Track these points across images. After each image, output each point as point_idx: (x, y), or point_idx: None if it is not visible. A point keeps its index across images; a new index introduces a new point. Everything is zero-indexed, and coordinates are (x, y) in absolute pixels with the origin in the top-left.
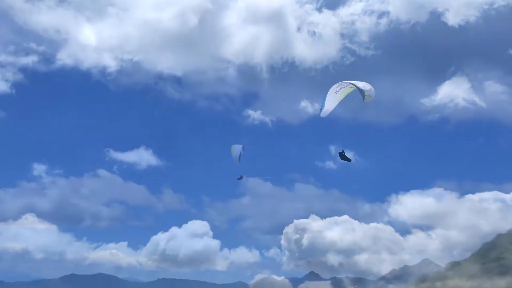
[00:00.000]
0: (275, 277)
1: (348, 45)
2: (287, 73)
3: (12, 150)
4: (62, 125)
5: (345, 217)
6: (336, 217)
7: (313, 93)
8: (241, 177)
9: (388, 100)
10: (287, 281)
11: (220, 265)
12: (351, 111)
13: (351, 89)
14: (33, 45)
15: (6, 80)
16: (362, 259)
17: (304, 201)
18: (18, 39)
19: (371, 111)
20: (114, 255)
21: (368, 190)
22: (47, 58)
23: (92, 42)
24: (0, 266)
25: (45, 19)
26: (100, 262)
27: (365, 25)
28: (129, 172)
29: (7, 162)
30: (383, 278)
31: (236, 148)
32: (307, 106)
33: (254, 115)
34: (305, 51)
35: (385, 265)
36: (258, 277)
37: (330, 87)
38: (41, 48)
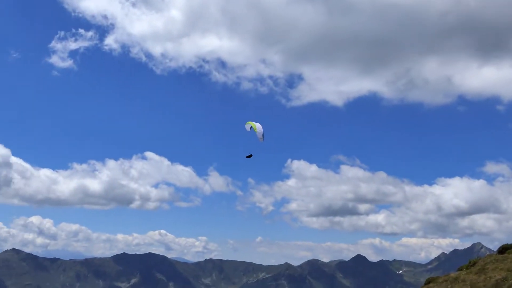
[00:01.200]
0: (323, 259)
1: None
2: (333, 54)
3: (67, 133)
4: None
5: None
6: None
7: (357, 72)
8: (250, 155)
9: (437, 79)
10: (333, 263)
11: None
12: (398, 91)
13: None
14: (81, 31)
15: (58, 65)
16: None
17: (350, 183)
18: (68, 25)
19: (419, 91)
20: (163, 235)
21: (415, 172)
22: (95, 44)
23: (138, 26)
24: (56, 245)
25: (92, 5)
26: (149, 242)
27: None
28: (176, 154)
29: (62, 144)
30: (431, 262)
31: (258, 126)
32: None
33: (299, 96)
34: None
35: (435, 249)
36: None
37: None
38: (90, 34)
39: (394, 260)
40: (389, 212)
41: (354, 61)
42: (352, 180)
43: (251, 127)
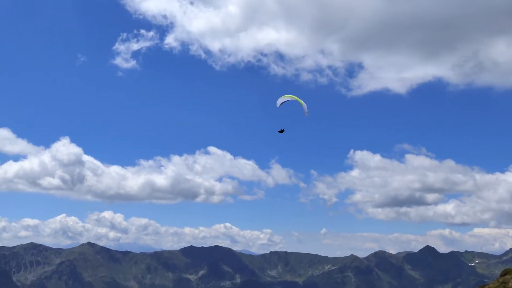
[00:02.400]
0: (390, 251)
1: None
2: (394, 39)
3: (133, 131)
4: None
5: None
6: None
7: (420, 58)
8: (282, 130)
9: (508, 61)
10: (401, 255)
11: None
12: (465, 75)
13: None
14: (143, 31)
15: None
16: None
17: (416, 172)
18: (130, 27)
19: (488, 74)
20: (228, 228)
21: (486, 159)
22: (156, 43)
23: (196, 24)
24: (127, 238)
25: (152, 5)
26: (215, 235)
27: None
28: (238, 148)
29: (129, 142)
30: (507, 253)
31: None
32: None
33: (359, 85)
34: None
35: (510, 240)
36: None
37: None
38: (150, 34)
39: (466, 251)
40: (459, 202)
41: (417, 46)
42: (418, 169)
43: (286, 101)
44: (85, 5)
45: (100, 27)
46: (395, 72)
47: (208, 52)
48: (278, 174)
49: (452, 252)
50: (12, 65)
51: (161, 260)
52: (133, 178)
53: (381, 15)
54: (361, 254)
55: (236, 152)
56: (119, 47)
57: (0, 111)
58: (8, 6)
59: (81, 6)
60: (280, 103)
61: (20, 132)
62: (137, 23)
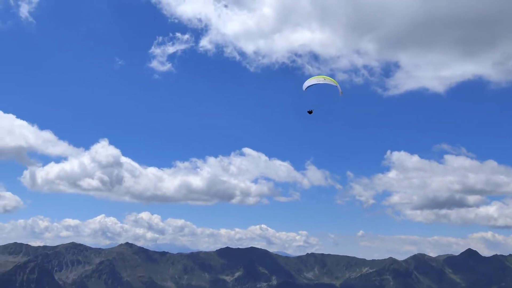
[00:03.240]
0: (429, 254)
1: None
2: (431, 37)
3: (169, 133)
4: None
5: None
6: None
7: (459, 55)
8: (311, 111)
9: None
10: (442, 258)
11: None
12: (507, 72)
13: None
14: (178, 34)
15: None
16: None
17: (456, 173)
18: (165, 30)
19: None
20: (264, 230)
21: None
22: (191, 46)
23: (231, 26)
24: (164, 239)
25: (188, 9)
26: (251, 236)
27: None
28: (274, 150)
29: (165, 143)
30: None
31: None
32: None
33: (396, 85)
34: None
35: None
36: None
37: None
38: (186, 37)
39: (510, 255)
40: (502, 204)
41: (455, 43)
42: (458, 170)
43: (314, 84)
44: (122, 9)
45: (137, 31)
46: (433, 71)
47: (242, 54)
48: (314, 175)
49: (495, 256)
50: (53, 69)
51: (197, 261)
52: (169, 180)
53: (418, 12)
54: (400, 257)
55: (271, 154)
56: (155, 50)
57: (43, 114)
58: (47, 11)
59: (118, 10)
60: (306, 87)
61: (61, 134)
62: (173, 27)
